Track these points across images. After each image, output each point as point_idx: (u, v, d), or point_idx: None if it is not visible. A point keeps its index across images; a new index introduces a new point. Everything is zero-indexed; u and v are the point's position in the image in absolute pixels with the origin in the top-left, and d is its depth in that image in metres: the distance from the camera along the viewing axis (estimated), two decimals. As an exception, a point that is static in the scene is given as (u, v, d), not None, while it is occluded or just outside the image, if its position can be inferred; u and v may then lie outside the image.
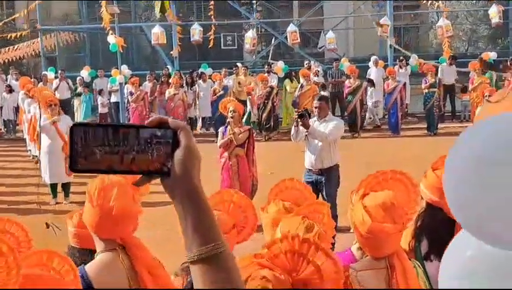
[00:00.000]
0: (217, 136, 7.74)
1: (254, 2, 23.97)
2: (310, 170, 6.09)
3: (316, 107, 6.15)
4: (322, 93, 11.23)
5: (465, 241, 0.91)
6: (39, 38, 17.50)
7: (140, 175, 0.98)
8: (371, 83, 13.81)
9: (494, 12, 14.54)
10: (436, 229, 2.32)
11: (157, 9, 14.64)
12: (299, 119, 5.89)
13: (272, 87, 13.27)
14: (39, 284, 1.63)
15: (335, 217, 5.53)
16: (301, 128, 5.94)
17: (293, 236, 1.39)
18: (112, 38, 14.21)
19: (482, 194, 0.85)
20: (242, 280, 0.96)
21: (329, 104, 6.39)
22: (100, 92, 15.17)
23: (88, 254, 2.30)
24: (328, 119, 6.10)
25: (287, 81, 14.17)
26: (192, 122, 14.63)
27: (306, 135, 6.01)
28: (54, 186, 8.37)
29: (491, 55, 15.12)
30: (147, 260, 2.17)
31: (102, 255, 2.12)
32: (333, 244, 5.09)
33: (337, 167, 6.12)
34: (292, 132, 6.21)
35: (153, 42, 16.06)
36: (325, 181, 5.99)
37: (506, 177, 0.85)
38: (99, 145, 0.94)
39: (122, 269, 2.08)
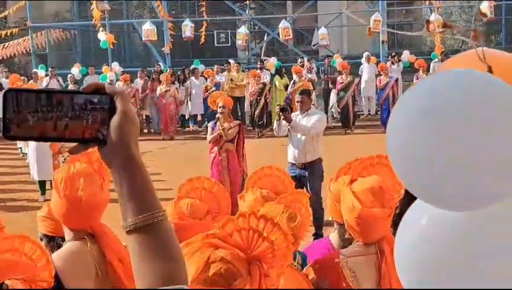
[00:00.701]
0: (209, 134, 7.65)
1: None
2: (293, 164, 6.03)
3: (298, 101, 6.12)
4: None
5: (420, 209, 0.83)
6: (30, 36, 17.38)
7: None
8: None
9: (485, 8, 14.54)
10: None
11: None
12: (281, 113, 5.85)
13: (264, 84, 13.20)
14: (12, 270, 1.59)
15: (321, 210, 5.48)
16: (283, 122, 5.90)
17: (249, 213, 1.34)
18: (102, 35, 14.13)
19: (431, 152, 0.74)
20: (180, 248, 0.91)
21: (311, 98, 6.35)
22: (91, 89, 15.07)
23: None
24: (311, 113, 6.06)
25: (276, 77, 14.09)
26: (184, 119, 14.56)
27: (289, 129, 5.97)
28: (42, 183, 8.32)
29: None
30: (117, 248, 2.13)
31: (70, 244, 2.10)
32: (321, 235, 5.05)
33: (320, 160, 6.06)
34: (274, 126, 6.18)
35: (143, 39, 15.99)
36: (309, 175, 5.93)
37: (459, 133, 0.74)
38: (31, 112, 0.90)
39: (89, 257, 2.04)
